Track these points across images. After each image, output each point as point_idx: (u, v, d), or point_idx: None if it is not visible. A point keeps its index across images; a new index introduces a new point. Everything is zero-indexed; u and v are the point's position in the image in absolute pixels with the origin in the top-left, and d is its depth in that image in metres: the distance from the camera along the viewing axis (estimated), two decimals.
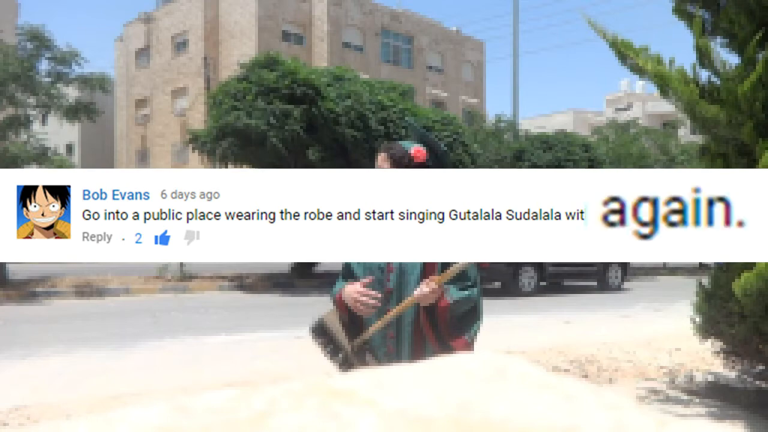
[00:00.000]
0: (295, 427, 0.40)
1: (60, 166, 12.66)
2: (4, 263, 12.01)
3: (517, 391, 0.45)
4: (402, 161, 2.24)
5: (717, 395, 4.71)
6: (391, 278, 2.22)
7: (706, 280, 4.65)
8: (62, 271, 13.93)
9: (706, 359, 5.77)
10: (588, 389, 0.46)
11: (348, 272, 2.35)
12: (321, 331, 2.30)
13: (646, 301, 12.26)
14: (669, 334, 7.44)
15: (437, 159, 2.33)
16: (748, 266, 3.79)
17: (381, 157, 2.29)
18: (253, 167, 14.53)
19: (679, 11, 4.45)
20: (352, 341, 2.23)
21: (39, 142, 12.09)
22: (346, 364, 2.24)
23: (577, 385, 0.47)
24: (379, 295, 2.17)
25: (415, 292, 2.10)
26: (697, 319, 4.63)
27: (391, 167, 2.24)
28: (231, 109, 12.73)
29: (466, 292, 2.16)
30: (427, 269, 2.18)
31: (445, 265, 2.14)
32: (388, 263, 2.22)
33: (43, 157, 12.16)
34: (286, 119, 12.54)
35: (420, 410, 0.42)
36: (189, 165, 32.51)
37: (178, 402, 0.44)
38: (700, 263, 23.21)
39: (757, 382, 4.61)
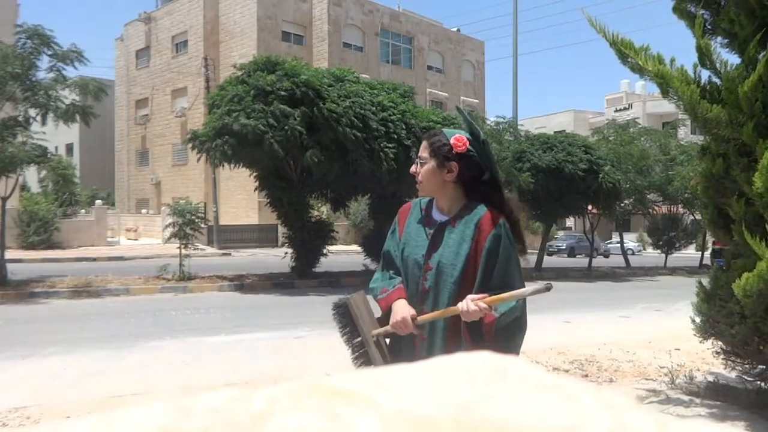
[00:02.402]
0: (295, 427, 0.40)
1: (59, 167, 12.64)
2: (4, 263, 12.00)
3: (518, 392, 0.45)
4: (441, 151, 2.09)
5: (717, 396, 4.71)
6: (428, 277, 2.08)
7: (706, 281, 4.66)
8: (62, 272, 13.94)
9: (706, 359, 5.76)
10: (588, 389, 0.46)
11: (389, 261, 2.23)
12: (344, 311, 2.19)
13: (646, 301, 12.26)
14: (669, 334, 7.44)
15: (483, 151, 2.14)
16: (749, 267, 3.79)
17: (423, 145, 2.16)
18: (250, 168, 14.54)
19: (678, 10, 4.45)
20: (375, 330, 2.12)
21: (38, 143, 12.05)
22: (361, 351, 2.15)
23: (578, 386, 0.47)
24: (416, 331, 2.05)
25: (460, 305, 1.94)
26: (697, 320, 4.63)
27: (430, 157, 2.11)
28: (228, 111, 12.76)
29: (512, 303, 1.99)
30: (467, 273, 2.04)
31: (487, 270, 2.01)
32: (427, 261, 2.09)
33: (42, 158, 12.12)
34: (286, 120, 12.55)
35: (420, 410, 0.42)
36: (189, 165, 32.55)
37: (178, 402, 0.44)
38: (701, 263, 23.23)
39: (758, 383, 4.61)
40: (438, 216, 2.15)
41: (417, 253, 2.11)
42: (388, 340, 2.19)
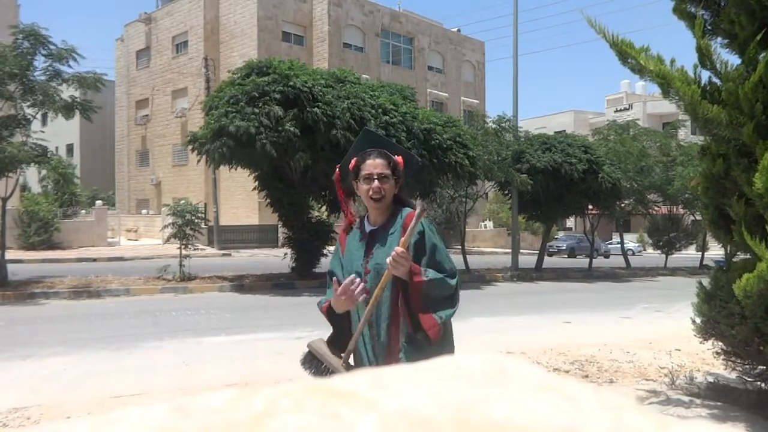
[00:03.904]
0: (296, 428, 0.40)
1: (59, 166, 12.65)
2: (5, 264, 12.00)
3: (518, 392, 0.45)
4: (397, 169, 2.36)
5: (717, 396, 4.71)
6: (368, 279, 2.28)
7: (706, 281, 4.65)
8: (62, 272, 13.94)
9: (707, 360, 5.76)
10: (589, 390, 0.46)
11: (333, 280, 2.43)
12: (310, 360, 2.34)
13: (646, 301, 12.26)
14: (669, 334, 7.44)
15: (407, 166, 2.45)
16: (749, 267, 3.79)
17: (380, 163, 2.32)
18: (249, 169, 14.54)
19: (678, 11, 4.44)
20: (341, 356, 2.29)
21: (38, 143, 12.03)
22: None
23: (578, 386, 0.47)
24: (357, 279, 2.23)
25: (387, 260, 2.14)
26: (698, 320, 4.63)
27: (391, 174, 2.33)
28: (226, 113, 12.79)
29: (442, 275, 2.22)
30: None
31: (417, 261, 2.21)
32: (365, 266, 2.31)
33: (42, 158, 12.12)
34: (279, 121, 12.56)
35: (420, 411, 0.42)
36: (189, 165, 32.56)
37: (178, 402, 0.44)
38: (701, 263, 23.22)
39: (758, 383, 4.60)
40: (369, 227, 2.40)
41: (356, 263, 2.34)
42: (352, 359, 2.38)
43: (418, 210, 2.18)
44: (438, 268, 2.23)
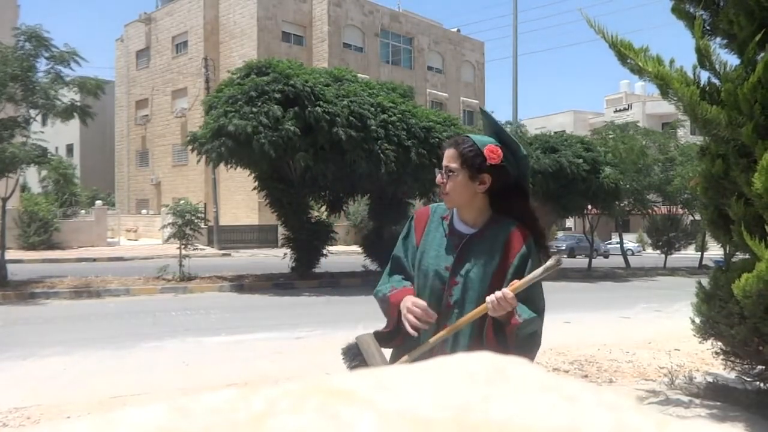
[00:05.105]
0: (295, 428, 0.40)
1: (60, 166, 12.66)
2: (5, 264, 11.99)
3: (518, 392, 0.45)
4: (474, 162, 1.95)
5: (717, 396, 4.71)
6: (453, 292, 1.96)
7: (705, 281, 4.66)
8: (62, 272, 13.93)
9: (706, 360, 5.76)
10: (588, 390, 0.46)
11: (399, 266, 2.10)
12: (355, 354, 2.00)
13: (645, 301, 12.26)
14: (669, 334, 7.44)
15: (516, 162, 2.01)
16: (748, 268, 3.79)
17: (450, 154, 2.00)
18: (247, 168, 14.56)
19: (677, 10, 4.45)
20: (392, 363, 1.97)
21: (38, 144, 12.03)
22: None
23: (578, 386, 0.47)
24: (434, 318, 1.90)
25: (488, 299, 1.83)
26: (697, 320, 4.63)
27: (460, 167, 1.97)
28: (225, 113, 12.80)
29: (534, 314, 1.92)
30: (494, 288, 1.89)
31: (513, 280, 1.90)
32: (453, 275, 1.97)
33: (42, 158, 12.12)
34: (278, 121, 12.56)
35: (420, 411, 0.42)
36: (189, 165, 32.55)
37: (178, 402, 0.44)
38: (700, 263, 23.22)
39: (757, 383, 4.61)
40: (462, 228, 2.03)
41: (440, 265, 1.99)
42: None
43: (551, 262, 1.87)
44: (531, 299, 1.92)
